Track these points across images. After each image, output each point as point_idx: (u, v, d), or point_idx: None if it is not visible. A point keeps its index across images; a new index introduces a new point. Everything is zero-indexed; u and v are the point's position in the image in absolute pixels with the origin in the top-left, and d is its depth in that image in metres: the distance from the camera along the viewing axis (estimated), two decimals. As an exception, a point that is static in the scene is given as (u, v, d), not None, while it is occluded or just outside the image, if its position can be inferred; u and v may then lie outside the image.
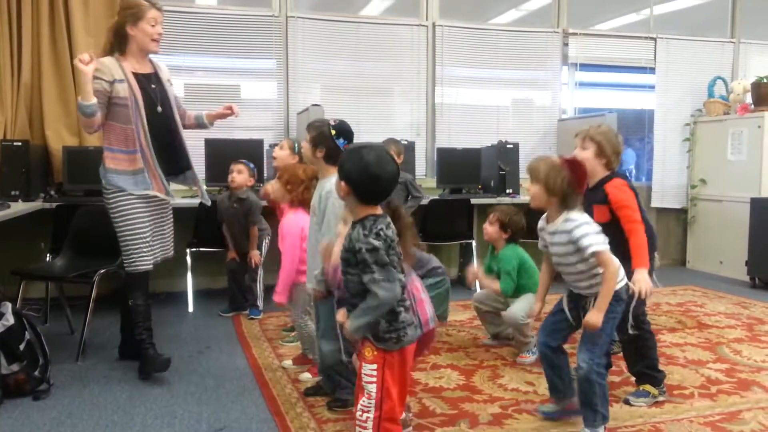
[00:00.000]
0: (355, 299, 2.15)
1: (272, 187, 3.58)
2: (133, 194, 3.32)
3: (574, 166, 2.57)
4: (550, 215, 2.66)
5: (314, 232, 2.90)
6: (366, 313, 2.11)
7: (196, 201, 4.86)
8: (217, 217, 4.75)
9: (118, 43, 3.36)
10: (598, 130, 3.01)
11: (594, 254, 2.49)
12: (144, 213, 3.38)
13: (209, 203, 3.84)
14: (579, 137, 3.06)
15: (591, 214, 2.72)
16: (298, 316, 3.42)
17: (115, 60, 3.33)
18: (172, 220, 3.62)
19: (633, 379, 3.18)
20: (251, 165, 4.70)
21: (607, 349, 2.67)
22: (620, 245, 2.77)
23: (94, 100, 3.15)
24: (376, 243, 2.07)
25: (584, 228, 2.52)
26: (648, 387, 3.10)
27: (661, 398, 3.08)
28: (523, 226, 3.84)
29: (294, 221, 3.34)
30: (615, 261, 2.52)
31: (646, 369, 3.11)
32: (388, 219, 2.19)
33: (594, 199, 2.93)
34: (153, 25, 3.34)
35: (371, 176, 2.12)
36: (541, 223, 2.74)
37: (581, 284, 2.64)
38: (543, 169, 2.55)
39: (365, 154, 2.13)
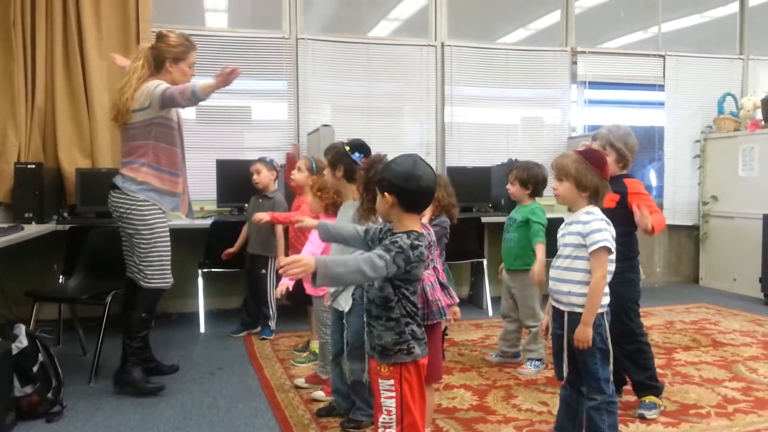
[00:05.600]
0: (371, 306, 2.14)
1: (309, 204, 3.59)
2: (165, 213, 3.49)
3: (593, 155, 2.55)
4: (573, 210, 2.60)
5: (341, 252, 2.83)
6: (348, 268, 1.96)
7: (207, 222, 4.91)
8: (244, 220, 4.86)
9: (153, 69, 3.48)
10: (619, 135, 3.09)
11: (595, 251, 2.41)
12: (168, 231, 3.54)
13: (193, 218, 3.96)
14: (600, 142, 3.11)
15: None
16: (319, 329, 3.42)
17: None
18: None
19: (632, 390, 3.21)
20: (267, 159, 4.70)
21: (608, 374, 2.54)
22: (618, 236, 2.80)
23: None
24: (411, 254, 2.03)
25: (602, 224, 2.46)
26: (652, 398, 3.13)
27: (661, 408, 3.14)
28: (544, 177, 3.89)
29: None
30: (605, 270, 2.44)
31: (647, 380, 3.14)
32: (427, 240, 2.17)
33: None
34: (191, 67, 3.53)
35: (414, 178, 2.08)
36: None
37: (562, 288, 2.52)
38: (572, 166, 2.50)
39: (401, 161, 2.13)
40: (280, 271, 1.94)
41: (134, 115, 3.41)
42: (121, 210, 3.43)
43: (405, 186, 2.08)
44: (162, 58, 3.47)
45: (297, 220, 2.78)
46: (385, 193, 2.10)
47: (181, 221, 3.81)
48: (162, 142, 3.45)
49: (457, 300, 2.77)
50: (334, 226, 2.43)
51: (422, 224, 2.63)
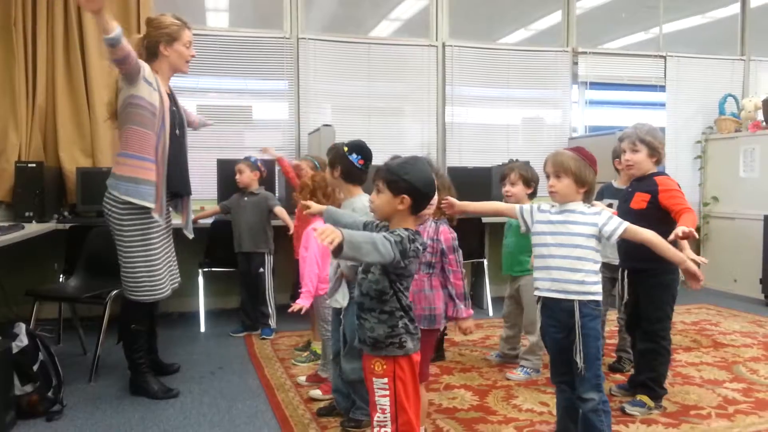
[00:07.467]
0: (364, 299, 2.15)
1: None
2: (149, 210, 3.20)
3: (587, 153, 2.55)
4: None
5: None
6: (364, 237, 1.97)
7: (208, 222, 4.90)
8: (229, 218, 4.76)
9: (147, 59, 3.29)
10: (645, 130, 3.13)
11: (625, 231, 2.41)
12: (161, 234, 3.35)
13: (191, 236, 3.75)
14: (628, 141, 3.14)
15: (630, 200, 3.00)
16: (321, 326, 3.41)
17: (149, 67, 3.24)
18: (173, 245, 3.60)
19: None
20: (252, 159, 4.71)
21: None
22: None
23: (117, 29, 2.85)
24: (408, 246, 2.03)
25: (610, 216, 2.46)
26: (645, 398, 3.14)
27: (655, 412, 3.11)
28: (538, 178, 3.80)
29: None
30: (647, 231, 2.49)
31: (649, 381, 3.15)
32: (423, 238, 2.20)
33: (640, 188, 3.09)
34: (187, 47, 3.35)
35: (431, 184, 2.14)
36: (534, 207, 2.62)
37: (574, 277, 2.42)
38: (573, 162, 2.46)
39: (421, 166, 2.14)
40: (319, 240, 1.84)
41: (118, 104, 3.25)
42: (105, 209, 3.28)
43: (424, 191, 2.12)
44: (155, 42, 3.28)
45: (304, 205, 2.75)
46: (404, 195, 2.09)
47: (179, 221, 3.75)
48: (134, 124, 3.17)
49: (463, 315, 2.67)
50: (336, 211, 2.49)
51: (445, 230, 2.65)
